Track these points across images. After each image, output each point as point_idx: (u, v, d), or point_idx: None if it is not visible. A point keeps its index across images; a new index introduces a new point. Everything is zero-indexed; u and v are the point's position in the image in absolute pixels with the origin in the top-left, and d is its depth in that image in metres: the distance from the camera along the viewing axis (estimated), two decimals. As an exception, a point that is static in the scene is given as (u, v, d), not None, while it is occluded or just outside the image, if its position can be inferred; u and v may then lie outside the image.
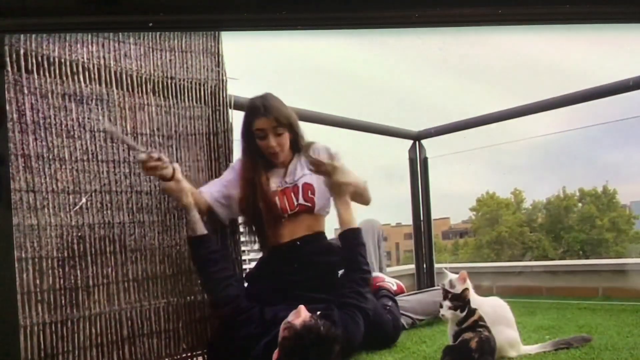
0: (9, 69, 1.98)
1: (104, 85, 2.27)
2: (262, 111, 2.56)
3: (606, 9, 1.07)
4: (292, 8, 1.04)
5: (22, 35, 1.98)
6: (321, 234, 2.76)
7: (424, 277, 4.20)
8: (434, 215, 4.34)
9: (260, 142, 2.61)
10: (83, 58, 2.21)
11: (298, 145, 2.72)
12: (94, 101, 2.24)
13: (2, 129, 1.20)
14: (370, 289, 2.56)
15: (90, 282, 2.19)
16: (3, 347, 1.19)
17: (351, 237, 2.50)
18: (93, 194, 2.22)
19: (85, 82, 2.21)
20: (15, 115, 2.01)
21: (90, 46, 2.23)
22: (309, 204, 2.66)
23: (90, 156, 2.22)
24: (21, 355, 1.92)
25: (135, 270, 2.34)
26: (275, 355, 2.01)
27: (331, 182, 2.48)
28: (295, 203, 2.65)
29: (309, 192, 2.67)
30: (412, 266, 4.32)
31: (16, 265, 1.94)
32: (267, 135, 2.59)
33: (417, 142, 4.31)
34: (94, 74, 2.24)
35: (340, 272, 2.61)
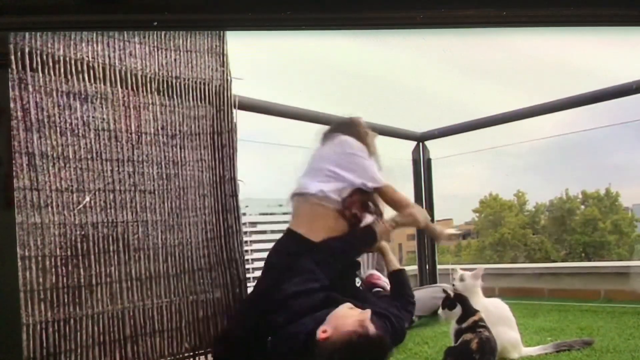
0: (14, 67, 1.98)
1: (108, 84, 2.28)
2: None
3: (609, 11, 1.07)
4: (296, 8, 1.05)
5: (26, 34, 1.98)
6: None
7: (427, 278, 4.20)
8: (437, 216, 4.34)
9: None
10: (88, 57, 2.22)
11: None
12: (98, 100, 2.25)
13: (4, 129, 1.21)
14: (410, 317, 2.78)
15: (93, 281, 2.19)
16: (6, 345, 1.19)
17: (399, 276, 2.87)
18: (97, 193, 2.22)
19: (89, 80, 2.22)
20: (19, 114, 2.01)
21: (95, 45, 2.23)
22: None
23: (94, 155, 2.23)
24: (23, 354, 1.92)
25: (138, 269, 2.34)
26: (322, 334, 2.03)
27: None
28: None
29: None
30: (415, 267, 4.32)
31: (19, 263, 1.95)
32: None
33: (420, 144, 4.31)
34: (99, 73, 2.25)
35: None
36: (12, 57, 1.98)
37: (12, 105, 1.94)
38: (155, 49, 2.45)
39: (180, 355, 2.47)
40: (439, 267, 4.25)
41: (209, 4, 1.08)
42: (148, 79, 2.42)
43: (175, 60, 2.53)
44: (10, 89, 1.93)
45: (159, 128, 2.46)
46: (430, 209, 4.26)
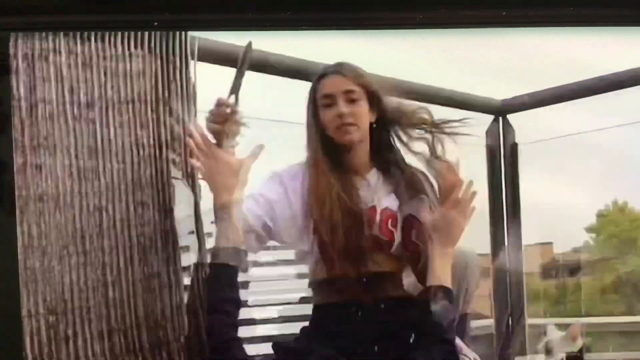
0: (14, 67, 1.99)
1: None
2: (332, 69, 1.66)
3: (609, 12, 1.07)
4: (297, 8, 1.05)
5: (27, 34, 1.98)
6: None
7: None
8: (526, 238, 2.56)
9: (326, 112, 1.61)
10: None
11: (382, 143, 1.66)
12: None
13: (7, 132, 1.22)
14: None
15: (95, 278, 2.20)
16: (6, 342, 1.20)
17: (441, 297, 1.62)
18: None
19: (90, 80, 2.22)
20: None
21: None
22: (387, 239, 1.59)
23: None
24: (24, 352, 1.93)
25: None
26: None
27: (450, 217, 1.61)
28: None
29: (389, 222, 1.61)
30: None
31: (20, 262, 1.95)
32: (336, 102, 1.59)
33: (500, 119, 2.16)
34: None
35: None
36: (13, 58, 1.98)
37: (13, 105, 1.95)
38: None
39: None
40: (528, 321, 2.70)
41: (209, 4, 1.08)
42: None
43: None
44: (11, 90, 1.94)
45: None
46: (514, 224, 2.54)
